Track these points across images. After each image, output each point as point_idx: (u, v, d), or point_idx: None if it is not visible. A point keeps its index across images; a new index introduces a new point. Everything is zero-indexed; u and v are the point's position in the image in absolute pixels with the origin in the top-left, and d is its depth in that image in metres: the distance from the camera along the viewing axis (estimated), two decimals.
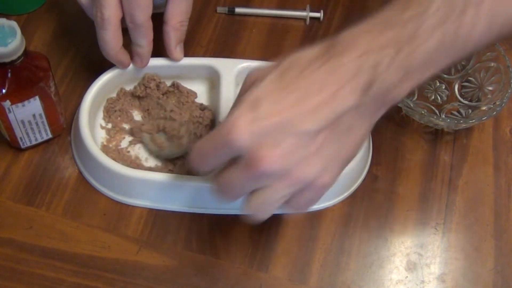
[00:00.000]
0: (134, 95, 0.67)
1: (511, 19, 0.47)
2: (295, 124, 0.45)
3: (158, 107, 0.66)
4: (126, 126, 0.67)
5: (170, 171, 0.63)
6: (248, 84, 0.49)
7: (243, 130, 0.45)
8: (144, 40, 0.62)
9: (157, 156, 0.64)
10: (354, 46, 0.46)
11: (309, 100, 0.45)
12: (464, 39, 0.46)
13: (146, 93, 0.67)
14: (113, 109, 0.66)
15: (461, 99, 0.71)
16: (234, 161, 0.48)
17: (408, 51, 0.45)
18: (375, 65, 0.45)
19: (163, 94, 0.67)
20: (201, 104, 0.67)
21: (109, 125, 0.66)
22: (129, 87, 0.68)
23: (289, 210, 0.50)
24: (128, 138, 0.66)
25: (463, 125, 0.67)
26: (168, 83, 0.68)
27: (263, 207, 0.49)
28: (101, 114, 0.67)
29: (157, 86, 0.67)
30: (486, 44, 0.48)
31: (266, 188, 0.47)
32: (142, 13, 0.60)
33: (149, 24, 0.61)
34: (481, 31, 0.46)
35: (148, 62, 0.65)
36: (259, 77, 0.48)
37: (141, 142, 0.65)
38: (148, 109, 0.67)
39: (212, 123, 0.66)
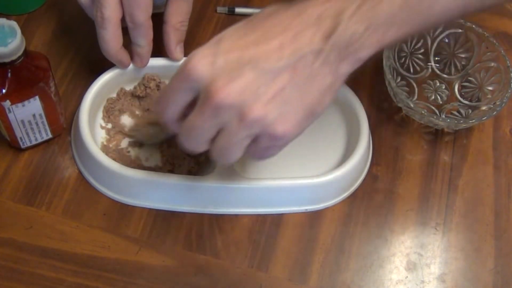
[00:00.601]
0: (134, 95, 0.67)
1: None
2: (256, 60, 0.45)
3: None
4: (126, 126, 0.67)
5: (170, 171, 0.63)
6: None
7: (201, 62, 0.46)
8: (144, 40, 0.62)
9: (154, 142, 0.64)
10: None
11: (271, 39, 0.46)
12: (429, 2, 0.48)
13: (146, 93, 0.67)
14: (113, 109, 0.66)
15: (461, 99, 0.71)
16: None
17: (372, 4, 0.46)
18: (339, 13, 0.46)
19: None
20: None
21: (109, 125, 0.66)
22: (129, 87, 0.68)
23: (250, 156, 0.50)
24: (128, 138, 0.66)
25: (463, 125, 0.67)
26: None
27: (224, 151, 0.48)
28: (101, 114, 0.67)
29: (157, 86, 0.67)
30: (452, 16, 0.50)
31: (224, 131, 0.47)
32: (142, 13, 0.60)
33: (149, 24, 0.61)
34: None
35: (148, 62, 0.65)
36: (229, 28, 0.49)
37: (139, 141, 0.65)
38: (148, 109, 0.67)
39: None
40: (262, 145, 0.48)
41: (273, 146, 0.49)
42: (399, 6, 0.47)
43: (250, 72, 0.45)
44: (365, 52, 0.47)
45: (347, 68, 0.48)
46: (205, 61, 0.46)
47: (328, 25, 0.46)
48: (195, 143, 0.49)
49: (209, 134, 0.48)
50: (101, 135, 0.66)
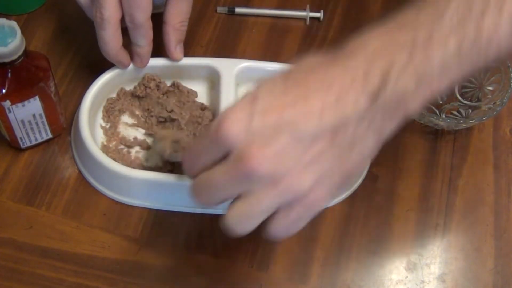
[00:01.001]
0: (134, 95, 0.67)
1: None
2: (293, 123, 0.41)
3: (158, 107, 0.66)
4: (126, 126, 0.67)
5: (170, 171, 0.63)
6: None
7: (235, 124, 0.41)
8: (144, 40, 0.62)
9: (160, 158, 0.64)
10: (363, 49, 0.42)
11: (312, 100, 0.41)
12: (484, 44, 0.42)
13: (146, 93, 0.67)
14: (113, 109, 0.66)
15: (461, 99, 0.71)
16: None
17: (424, 55, 0.41)
18: (387, 69, 0.41)
19: (163, 94, 0.67)
20: (202, 104, 0.67)
21: (109, 125, 0.66)
22: (129, 87, 0.68)
23: (272, 230, 0.44)
24: (128, 139, 0.66)
25: (463, 125, 0.67)
26: (168, 83, 0.68)
27: (244, 218, 0.43)
28: (101, 114, 0.67)
29: (157, 86, 0.67)
30: (509, 52, 0.43)
31: (249, 195, 0.42)
32: (142, 13, 0.60)
33: (149, 24, 0.61)
34: (504, 35, 0.42)
35: (148, 62, 0.65)
36: (263, 81, 0.44)
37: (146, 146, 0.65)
38: (148, 109, 0.67)
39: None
40: (294, 215, 0.43)
41: (305, 216, 0.44)
42: (453, 54, 0.41)
43: (287, 136, 0.41)
44: (415, 108, 0.42)
45: (392, 127, 0.43)
46: (239, 124, 0.41)
47: (376, 84, 0.41)
48: (208, 199, 0.45)
49: (229, 195, 0.44)
50: (101, 135, 0.66)
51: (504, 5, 0.42)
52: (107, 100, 0.67)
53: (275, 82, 0.43)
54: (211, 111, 0.67)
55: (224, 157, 0.43)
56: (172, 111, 0.65)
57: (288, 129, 0.41)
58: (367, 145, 0.43)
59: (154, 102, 0.66)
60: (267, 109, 0.42)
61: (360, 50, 0.42)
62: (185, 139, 0.61)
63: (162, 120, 0.65)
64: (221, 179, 0.43)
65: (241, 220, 0.44)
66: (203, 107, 0.67)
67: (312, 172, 0.42)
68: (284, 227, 0.44)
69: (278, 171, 0.41)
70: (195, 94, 0.68)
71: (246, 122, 0.41)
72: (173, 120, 0.65)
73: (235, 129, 0.41)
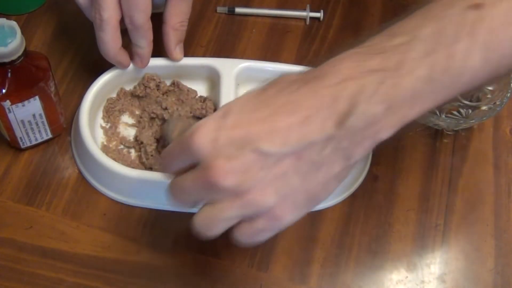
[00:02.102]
0: (134, 95, 0.67)
1: (510, 50, 0.43)
2: (258, 141, 0.42)
3: (155, 105, 0.66)
4: (126, 126, 0.67)
5: None
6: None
7: (204, 136, 0.43)
8: (144, 41, 0.62)
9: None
10: (335, 71, 0.42)
11: (279, 120, 0.42)
12: (456, 72, 0.42)
13: (146, 93, 0.67)
14: (113, 109, 0.66)
15: (461, 99, 0.71)
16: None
17: (394, 81, 0.41)
18: (355, 94, 0.41)
19: (163, 94, 0.67)
20: (201, 97, 0.67)
21: (109, 125, 0.66)
22: (129, 87, 0.68)
23: (237, 236, 0.45)
24: (128, 139, 0.66)
25: (463, 125, 0.67)
26: (168, 83, 0.68)
27: (209, 224, 0.45)
28: (101, 114, 0.67)
29: (157, 86, 0.67)
30: (484, 80, 0.43)
31: (215, 203, 0.44)
32: (142, 14, 0.60)
33: (149, 25, 0.61)
34: (476, 64, 0.42)
35: (148, 63, 0.65)
36: (241, 96, 0.45)
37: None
38: (145, 110, 0.67)
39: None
40: (257, 226, 0.44)
41: (268, 229, 0.45)
42: (424, 80, 0.41)
43: (251, 154, 0.42)
44: (385, 134, 0.43)
45: (361, 152, 0.43)
46: (208, 137, 0.42)
47: (344, 108, 0.41)
48: (181, 200, 0.47)
49: (199, 200, 0.46)
50: (101, 135, 0.66)
51: (478, 33, 0.41)
52: (107, 100, 0.67)
53: (248, 98, 0.44)
54: (212, 101, 0.67)
55: (195, 164, 0.45)
56: (166, 108, 0.65)
57: (252, 146, 0.42)
58: (334, 169, 0.43)
59: (153, 101, 0.66)
60: (235, 124, 0.43)
61: (331, 73, 0.42)
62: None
63: (154, 116, 0.65)
64: (190, 185, 0.45)
65: (206, 224, 0.45)
66: (202, 99, 0.67)
67: (276, 190, 0.43)
68: (248, 236, 0.45)
69: (241, 186, 0.42)
70: (195, 92, 0.68)
71: (214, 135, 0.42)
72: (164, 119, 0.65)
73: (203, 140, 0.43)
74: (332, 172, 0.43)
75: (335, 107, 0.41)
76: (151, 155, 0.63)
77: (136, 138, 0.65)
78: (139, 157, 0.64)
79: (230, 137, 0.42)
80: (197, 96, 0.68)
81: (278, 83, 0.44)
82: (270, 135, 0.42)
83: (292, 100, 0.42)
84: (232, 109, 0.44)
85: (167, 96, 0.67)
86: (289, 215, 0.44)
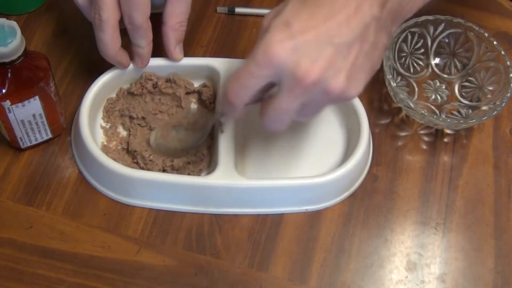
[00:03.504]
0: (129, 92, 0.67)
1: None
2: (331, 36, 0.48)
3: (145, 111, 0.66)
4: (126, 126, 0.67)
5: (171, 166, 0.63)
6: (266, 23, 0.51)
7: (281, 46, 0.47)
8: (143, 40, 0.62)
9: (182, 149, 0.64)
10: None
11: (338, 14, 0.49)
12: None
13: (141, 92, 0.66)
14: (113, 109, 0.66)
15: (461, 99, 0.71)
16: (268, 94, 0.52)
17: None
18: None
19: (160, 92, 0.67)
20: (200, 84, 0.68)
21: (109, 125, 0.66)
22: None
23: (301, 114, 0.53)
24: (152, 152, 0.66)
25: (463, 125, 0.67)
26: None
27: (307, 117, 0.53)
28: (101, 114, 0.67)
29: (154, 86, 0.66)
30: None
31: (310, 104, 0.51)
32: (141, 14, 0.60)
33: (148, 25, 0.61)
34: None
35: (148, 62, 0.65)
36: (278, 10, 0.51)
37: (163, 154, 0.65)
38: (156, 113, 0.67)
39: (214, 97, 0.67)
40: (329, 103, 0.53)
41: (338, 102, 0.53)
42: None
43: (328, 48, 0.48)
44: (413, 12, 0.54)
45: (395, 27, 0.54)
46: (285, 46, 0.48)
47: None
48: (282, 123, 0.53)
49: (296, 112, 0.51)
50: (101, 135, 0.66)
51: None
52: (107, 100, 0.67)
53: (295, 6, 0.50)
54: (209, 87, 0.68)
55: (267, 85, 0.51)
56: (156, 114, 0.66)
57: (327, 42, 0.48)
58: (383, 43, 0.52)
59: (147, 103, 0.67)
60: (304, 29, 0.48)
61: None
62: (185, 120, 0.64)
63: (143, 124, 0.66)
64: (287, 103, 0.50)
65: (305, 118, 0.54)
66: (202, 85, 0.68)
67: (353, 75, 0.50)
68: (317, 114, 0.54)
69: (328, 79, 0.49)
70: (192, 85, 0.68)
71: (290, 43, 0.48)
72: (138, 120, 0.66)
73: (281, 51, 0.48)
74: (383, 45, 0.52)
75: None
76: (150, 160, 0.63)
77: (128, 148, 0.65)
78: (137, 163, 0.64)
79: (305, 40, 0.48)
80: (195, 89, 0.68)
81: None
82: (337, 28, 0.48)
83: None
84: (290, 18, 0.49)
85: (161, 96, 0.67)
86: (359, 91, 0.52)
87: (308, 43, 0.48)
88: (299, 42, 0.48)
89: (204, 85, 0.68)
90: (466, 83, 0.71)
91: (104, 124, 0.66)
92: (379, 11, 0.50)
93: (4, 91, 0.56)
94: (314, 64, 0.48)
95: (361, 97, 0.66)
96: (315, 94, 0.50)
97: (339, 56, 0.49)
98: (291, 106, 0.51)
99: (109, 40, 0.60)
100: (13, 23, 0.55)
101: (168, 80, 0.67)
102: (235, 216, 0.63)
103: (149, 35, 0.62)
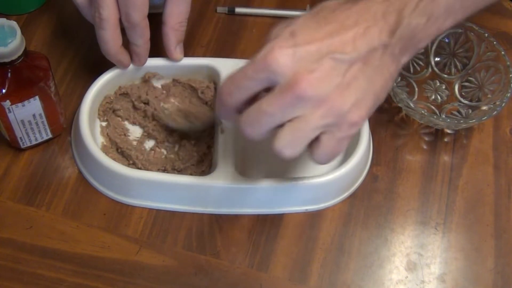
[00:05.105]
0: (134, 104, 0.67)
1: None
2: (333, 50, 0.48)
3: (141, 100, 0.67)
4: (126, 126, 0.67)
5: (172, 166, 0.63)
6: (274, 33, 0.50)
7: (282, 53, 0.47)
8: (140, 39, 0.62)
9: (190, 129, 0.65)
10: None
11: (345, 31, 0.48)
12: None
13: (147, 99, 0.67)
14: (111, 109, 0.66)
15: (461, 99, 0.71)
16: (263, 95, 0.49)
17: None
18: (401, 9, 0.49)
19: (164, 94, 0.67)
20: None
21: (109, 125, 0.66)
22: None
23: (319, 154, 0.50)
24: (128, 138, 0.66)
25: (463, 125, 0.67)
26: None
27: (294, 141, 0.49)
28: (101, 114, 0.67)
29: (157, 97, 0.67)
30: None
31: (297, 119, 0.48)
32: (138, 12, 0.60)
33: (145, 24, 0.61)
34: None
35: (146, 61, 0.65)
36: (289, 22, 0.50)
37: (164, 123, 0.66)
38: (145, 110, 0.67)
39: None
40: (339, 135, 0.50)
41: (347, 136, 0.50)
42: None
43: (328, 62, 0.47)
44: (425, 42, 0.51)
45: (407, 57, 0.52)
46: (286, 54, 0.47)
47: (393, 21, 0.49)
48: (259, 129, 0.50)
49: (278, 122, 0.49)
50: (101, 135, 0.66)
51: None
52: (104, 98, 0.66)
53: (306, 19, 0.50)
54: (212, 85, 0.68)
55: (264, 89, 0.49)
56: (155, 109, 0.66)
57: (329, 55, 0.48)
58: (389, 71, 0.51)
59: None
60: (308, 40, 0.48)
61: None
62: (188, 108, 0.65)
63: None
64: (272, 107, 0.48)
65: (291, 142, 0.49)
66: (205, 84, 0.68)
67: (351, 93, 0.48)
68: (331, 148, 0.50)
69: (323, 92, 0.47)
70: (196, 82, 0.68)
71: (291, 51, 0.47)
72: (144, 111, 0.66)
73: (281, 57, 0.47)
74: (389, 73, 0.51)
75: (386, 20, 0.49)
76: (145, 160, 0.63)
77: (126, 155, 0.65)
78: (135, 164, 0.64)
79: (307, 51, 0.48)
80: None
81: (326, 7, 0.51)
82: (341, 44, 0.48)
83: (350, 16, 0.49)
84: (297, 29, 0.49)
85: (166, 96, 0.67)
86: (364, 116, 0.50)
87: (309, 53, 0.48)
88: (300, 51, 0.47)
89: (207, 86, 0.68)
90: (466, 83, 0.71)
91: (104, 124, 0.66)
92: (388, 38, 0.49)
93: (4, 91, 0.56)
94: (310, 74, 0.47)
95: None
96: (307, 107, 0.48)
97: (337, 71, 0.48)
98: (274, 110, 0.48)
99: (110, 38, 0.61)
100: (13, 23, 0.55)
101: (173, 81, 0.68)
102: (235, 216, 0.63)
103: (146, 33, 0.62)
